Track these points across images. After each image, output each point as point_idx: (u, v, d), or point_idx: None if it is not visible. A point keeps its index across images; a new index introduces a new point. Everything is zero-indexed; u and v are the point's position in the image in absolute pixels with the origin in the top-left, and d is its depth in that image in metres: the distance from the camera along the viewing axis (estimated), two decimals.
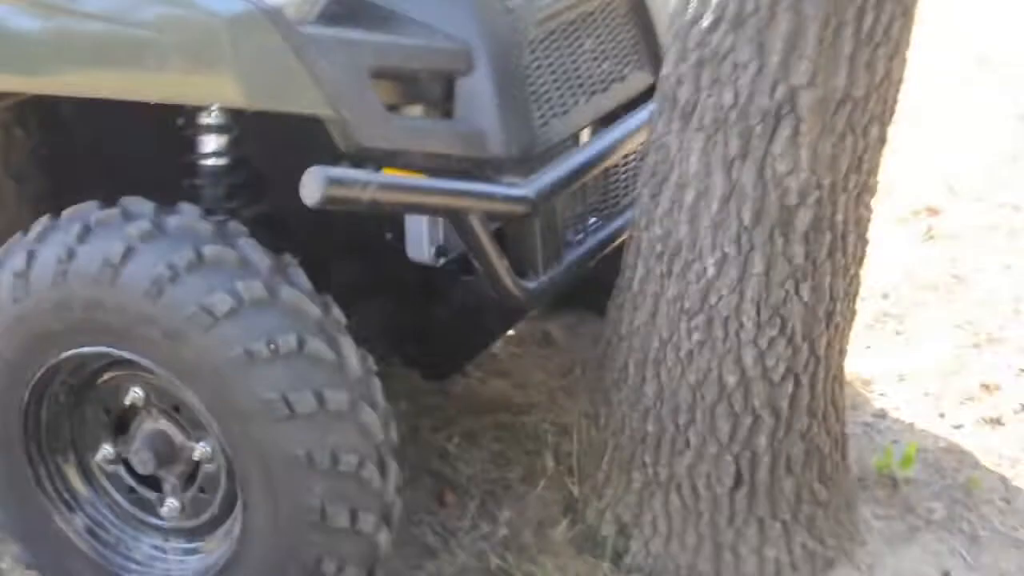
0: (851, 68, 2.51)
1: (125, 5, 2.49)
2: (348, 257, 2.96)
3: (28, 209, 2.94)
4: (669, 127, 2.66)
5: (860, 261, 2.74)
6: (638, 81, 3.04)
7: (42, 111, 2.90)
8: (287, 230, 2.81)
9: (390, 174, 2.52)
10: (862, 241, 2.72)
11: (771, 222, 2.58)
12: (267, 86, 2.47)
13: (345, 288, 2.73)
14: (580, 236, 2.90)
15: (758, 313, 2.64)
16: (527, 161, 2.68)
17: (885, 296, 4.07)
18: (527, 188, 2.62)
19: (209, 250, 2.49)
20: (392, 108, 2.57)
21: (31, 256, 2.58)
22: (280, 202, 2.74)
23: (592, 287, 3.11)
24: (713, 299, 2.65)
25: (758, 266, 2.60)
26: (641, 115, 2.99)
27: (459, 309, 2.85)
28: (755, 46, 2.51)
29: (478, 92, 2.61)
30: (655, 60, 3.03)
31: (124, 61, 2.51)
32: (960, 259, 4.31)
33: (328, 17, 2.55)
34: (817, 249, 2.61)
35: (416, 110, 2.64)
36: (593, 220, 2.97)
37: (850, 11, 2.48)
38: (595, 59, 2.92)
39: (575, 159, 2.79)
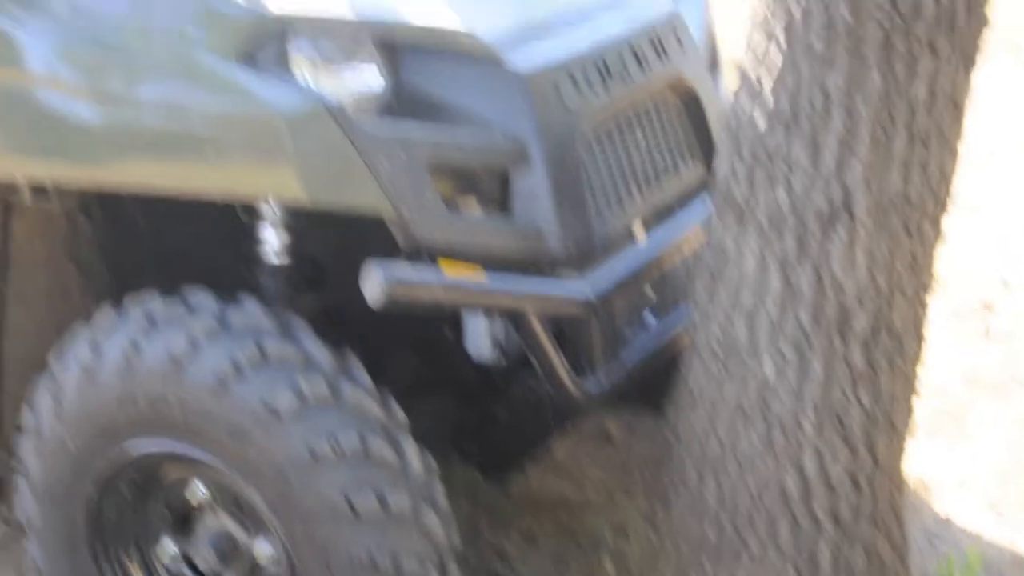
0: (905, 169, 2.53)
1: (185, 97, 2.54)
2: (407, 353, 2.99)
3: (90, 297, 2.98)
4: (725, 226, 2.68)
5: (917, 362, 2.74)
6: (692, 175, 3.07)
7: (105, 200, 2.94)
8: (346, 323, 2.85)
9: (451, 273, 2.55)
10: (919, 341, 2.72)
11: (829, 325, 2.58)
12: (327, 182, 2.52)
13: (404, 384, 2.76)
14: (637, 332, 2.91)
15: (818, 417, 2.63)
16: (583, 257, 2.70)
17: (943, 395, 4.05)
18: (588, 290, 2.63)
19: (272, 347, 2.52)
20: (449, 203, 2.60)
21: (96, 348, 2.62)
22: (339, 295, 2.79)
23: (649, 383, 3.12)
24: (772, 402, 2.64)
25: (817, 369, 2.60)
26: (696, 209, 3.02)
27: (518, 407, 2.87)
28: (809, 146, 2.54)
29: (535, 189, 2.63)
30: (709, 154, 3.05)
31: (184, 155, 2.56)
32: (1017, 357, 4.28)
33: (387, 112, 2.60)
34: (876, 352, 2.61)
35: (473, 205, 2.66)
36: (649, 315, 2.99)
37: (902, 112, 2.50)
38: (649, 154, 2.94)
39: (634, 258, 2.81)
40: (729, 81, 3.32)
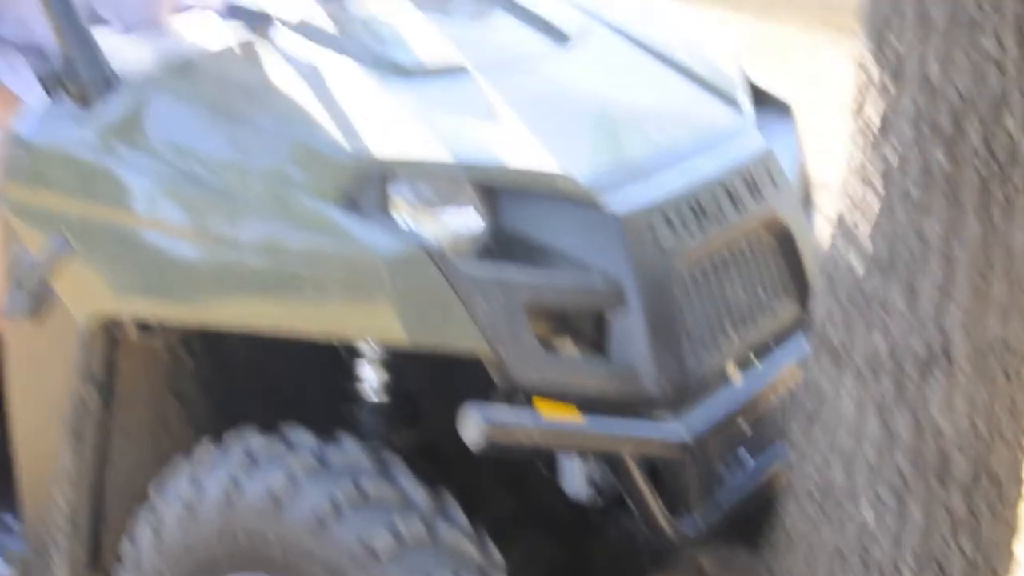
0: (1004, 314, 2.53)
1: (285, 238, 2.58)
2: (502, 489, 3.00)
3: (191, 430, 3.03)
4: (821, 368, 2.69)
5: (1018, 506, 2.72)
6: (787, 314, 3.07)
7: (207, 335, 2.98)
8: (441, 458, 2.87)
9: (548, 416, 2.57)
10: (1020, 485, 2.70)
11: (928, 470, 2.57)
12: (426, 323, 2.55)
13: (499, 521, 2.77)
14: (733, 471, 2.91)
15: (917, 564, 2.61)
16: (679, 398, 2.71)
17: None
18: (684, 432, 2.64)
19: (371, 486, 2.55)
20: (545, 343, 2.62)
21: (196, 483, 2.66)
22: (434, 430, 2.81)
23: (744, 519, 3.10)
24: (871, 547, 2.63)
25: (916, 515, 2.59)
26: (791, 348, 3.02)
27: (613, 546, 2.87)
28: (907, 291, 2.55)
29: (631, 330, 2.64)
30: (803, 292, 3.06)
31: (284, 295, 2.60)
32: None
33: (486, 253, 2.64)
34: (976, 498, 2.60)
35: (568, 345, 2.69)
36: (745, 453, 2.98)
37: (1001, 258, 2.51)
38: (744, 293, 2.95)
39: (730, 398, 2.82)
40: (822, 209, 3.34)
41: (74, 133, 2.75)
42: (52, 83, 2.77)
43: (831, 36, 8.52)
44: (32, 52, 3.28)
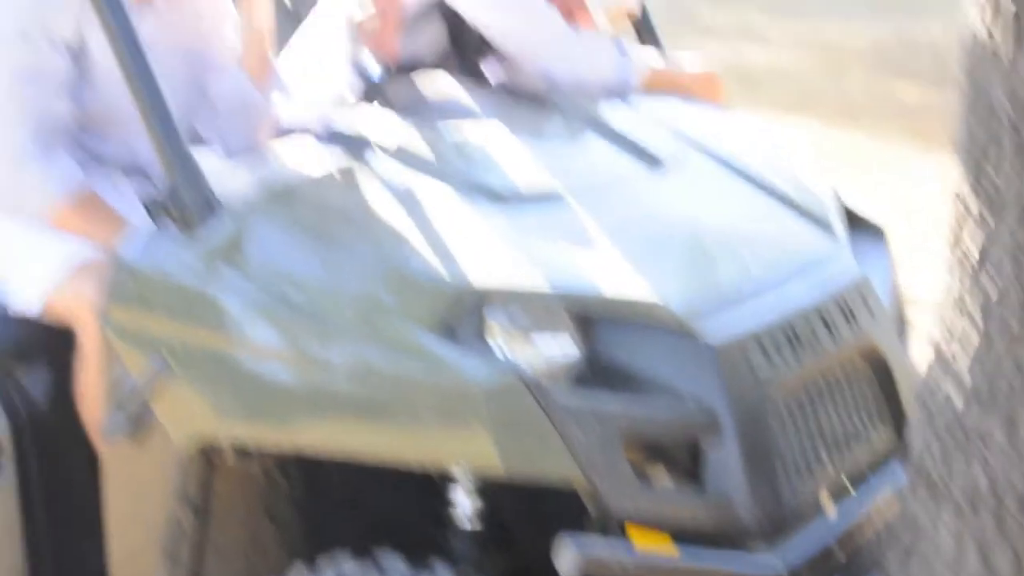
0: None
1: (379, 363, 2.61)
2: None
3: (284, 551, 3.04)
4: (919, 500, 2.66)
5: None
6: (882, 442, 3.04)
7: (302, 459, 3.00)
8: None
9: (642, 547, 2.56)
10: None
11: None
12: (522, 452, 2.56)
13: None
14: None
15: None
16: (775, 529, 2.69)
17: None
18: (780, 565, 2.62)
19: None
20: (639, 471, 2.62)
21: None
22: (527, 556, 2.81)
23: None
24: None
25: None
26: (886, 476, 2.99)
27: None
28: (1007, 425, 2.52)
29: (726, 460, 2.63)
30: (898, 420, 3.04)
31: (377, 420, 2.62)
32: None
33: (581, 383, 2.64)
34: None
35: (662, 473, 2.69)
36: None
37: None
38: (839, 422, 2.93)
39: (825, 529, 2.79)
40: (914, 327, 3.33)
41: (177, 258, 2.80)
42: (156, 209, 2.82)
43: (915, 145, 8.50)
44: (136, 174, 3.35)
